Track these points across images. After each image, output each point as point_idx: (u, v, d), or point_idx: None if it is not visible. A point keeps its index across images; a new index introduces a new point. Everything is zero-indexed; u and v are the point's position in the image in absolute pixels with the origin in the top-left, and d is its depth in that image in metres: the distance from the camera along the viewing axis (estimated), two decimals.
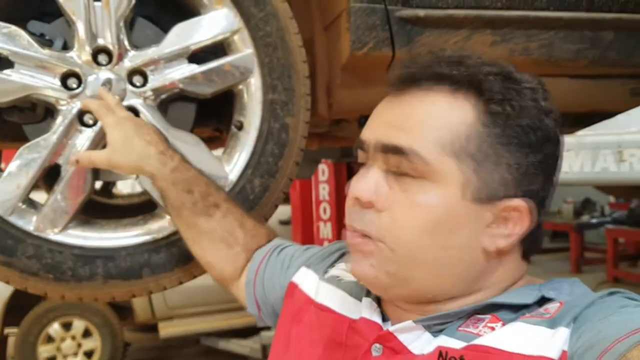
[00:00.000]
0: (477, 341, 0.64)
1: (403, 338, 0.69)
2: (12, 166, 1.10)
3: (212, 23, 1.19)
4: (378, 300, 0.77)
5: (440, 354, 0.64)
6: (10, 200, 1.09)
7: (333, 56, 1.44)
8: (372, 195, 0.69)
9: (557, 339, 0.60)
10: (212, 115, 1.41)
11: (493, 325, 0.66)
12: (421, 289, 0.70)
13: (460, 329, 0.67)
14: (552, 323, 0.62)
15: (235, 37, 1.20)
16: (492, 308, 0.68)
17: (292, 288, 0.92)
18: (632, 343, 0.54)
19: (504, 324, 0.66)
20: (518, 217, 0.68)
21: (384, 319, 0.75)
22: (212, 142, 1.72)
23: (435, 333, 0.68)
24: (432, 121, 0.67)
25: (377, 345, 0.71)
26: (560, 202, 7.60)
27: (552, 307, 0.65)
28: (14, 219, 1.10)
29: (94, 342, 4.19)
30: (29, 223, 1.11)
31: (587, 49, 1.49)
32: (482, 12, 1.39)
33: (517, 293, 0.70)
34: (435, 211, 0.67)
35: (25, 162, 1.10)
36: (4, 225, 1.08)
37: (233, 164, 1.20)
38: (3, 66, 1.10)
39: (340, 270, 0.88)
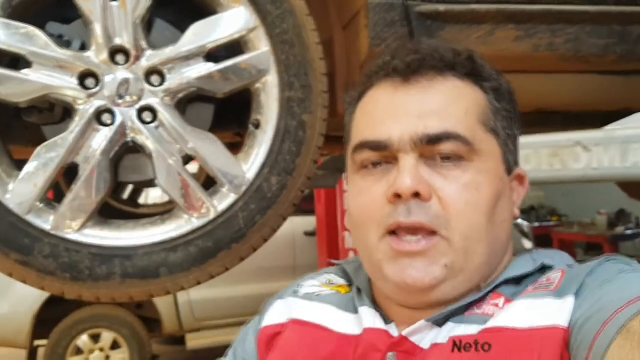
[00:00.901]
0: (489, 324, 0.63)
1: (415, 339, 0.67)
2: (30, 166, 1.10)
3: (229, 21, 1.19)
4: (375, 303, 0.73)
5: (455, 344, 0.62)
6: (27, 199, 1.10)
7: (352, 54, 1.42)
8: (425, 187, 0.64)
9: (566, 308, 0.60)
10: (233, 119, 1.40)
11: (496, 301, 0.66)
12: (472, 276, 0.67)
13: (466, 313, 0.66)
14: (559, 293, 0.62)
15: (252, 35, 1.19)
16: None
17: (266, 330, 0.80)
18: (632, 313, 0.53)
19: (507, 300, 0.65)
20: (519, 184, 0.74)
21: (386, 320, 0.71)
22: (235, 147, 1.72)
23: (441, 323, 0.67)
24: (463, 103, 0.68)
25: (390, 353, 0.67)
26: (594, 213, 7.41)
27: (554, 277, 0.65)
28: (31, 218, 1.10)
29: (122, 354, 4.19)
30: (46, 222, 1.11)
31: (616, 44, 1.44)
32: (504, 6, 1.35)
33: (517, 265, 0.71)
34: (492, 187, 0.67)
35: (43, 161, 1.11)
36: (21, 224, 1.09)
37: (250, 162, 1.19)
38: (21, 66, 1.11)
39: (312, 287, 0.81)
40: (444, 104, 0.67)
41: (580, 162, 1.23)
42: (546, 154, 1.27)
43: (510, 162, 0.71)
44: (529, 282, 0.67)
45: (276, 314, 0.79)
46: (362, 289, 0.76)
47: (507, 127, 0.71)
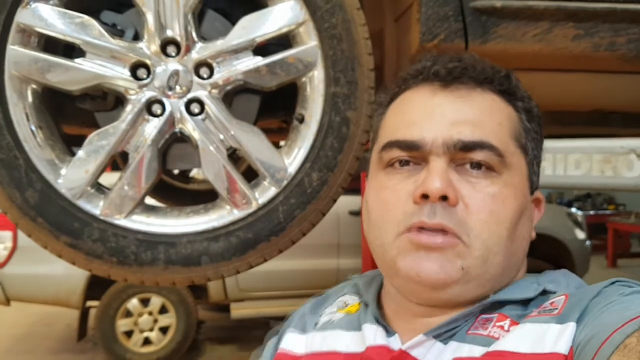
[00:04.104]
0: (493, 347, 0.62)
1: (416, 353, 0.66)
2: (82, 152, 1.14)
3: (278, 15, 1.19)
4: (380, 316, 0.73)
5: None
6: (78, 185, 1.14)
7: (402, 48, 1.40)
8: (453, 191, 0.65)
9: (567, 334, 0.59)
10: (280, 106, 1.41)
11: (502, 324, 0.65)
12: (484, 285, 0.68)
13: (469, 332, 0.66)
14: (561, 319, 0.61)
15: (301, 29, 1.19)
16: (497, 306, 0.67)
17: (281, 356, 0.82)
18: (631, 331, 0.52)
19: (512, 322, 0.65)
20: (536, 207, 0.75)
21: (389, 333, 0.71)
22: (282, 133, 1.73)
23: (445, 340, 0.66)
24: (497, 116, 0.69)
25: None
26: None
27: (558, 301, 0.64)
28: (81, 203, 1.14)
29: (169, 319, 4.35)
30: (96, 207, 1.15)
31: None
32: (564, 3, 1.30)
33: (518, 287, 0.70)
34: (517, 202, 0.68)
35: (95, 148, 1.15)
36: (71, 208, 1.13)
37: (293, 156, 1.20)
38: (76, 55, 1.14)
39: (328, 315, 0.82)
40: (480, 114, 0.68)
41: (634, 170, 1.18)
42: (598, 160, 1.23)
43: (534, 182, 0.73)
44: (535, 304, 0.67)
45: (297, 344, 0.80)
46: (368, 303, 0.76)
47: (534, 148, 0.73)
